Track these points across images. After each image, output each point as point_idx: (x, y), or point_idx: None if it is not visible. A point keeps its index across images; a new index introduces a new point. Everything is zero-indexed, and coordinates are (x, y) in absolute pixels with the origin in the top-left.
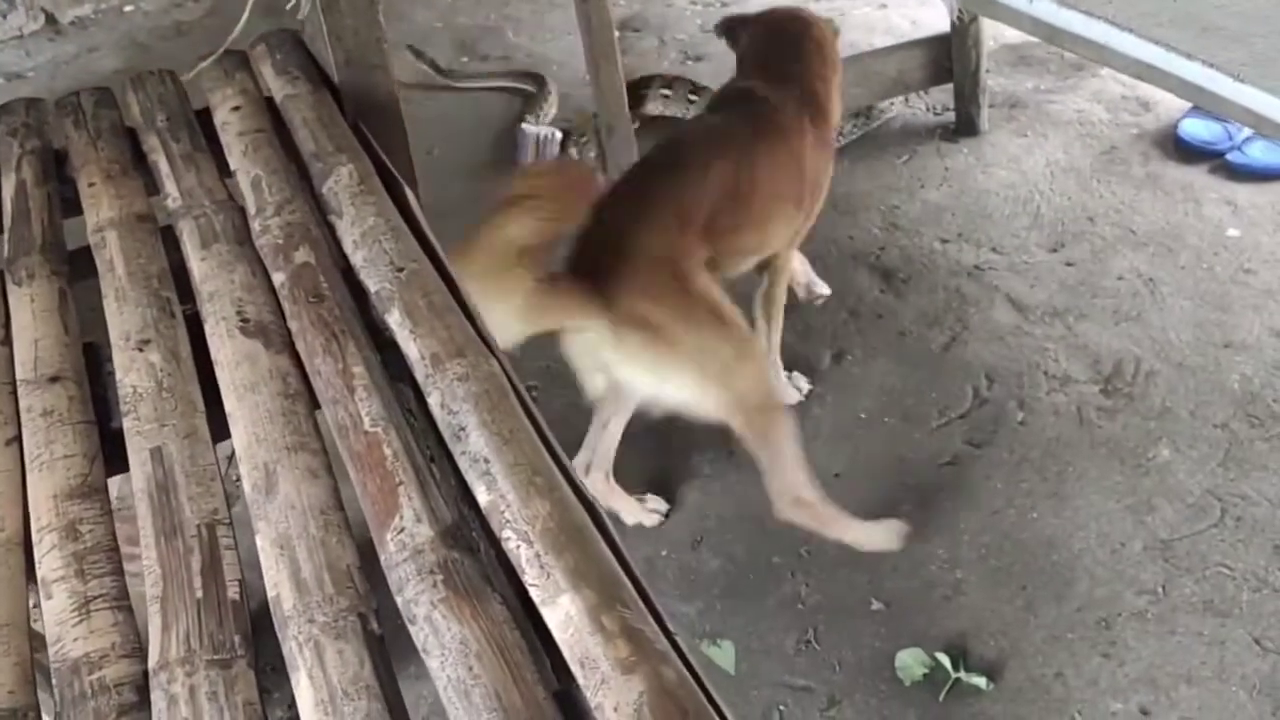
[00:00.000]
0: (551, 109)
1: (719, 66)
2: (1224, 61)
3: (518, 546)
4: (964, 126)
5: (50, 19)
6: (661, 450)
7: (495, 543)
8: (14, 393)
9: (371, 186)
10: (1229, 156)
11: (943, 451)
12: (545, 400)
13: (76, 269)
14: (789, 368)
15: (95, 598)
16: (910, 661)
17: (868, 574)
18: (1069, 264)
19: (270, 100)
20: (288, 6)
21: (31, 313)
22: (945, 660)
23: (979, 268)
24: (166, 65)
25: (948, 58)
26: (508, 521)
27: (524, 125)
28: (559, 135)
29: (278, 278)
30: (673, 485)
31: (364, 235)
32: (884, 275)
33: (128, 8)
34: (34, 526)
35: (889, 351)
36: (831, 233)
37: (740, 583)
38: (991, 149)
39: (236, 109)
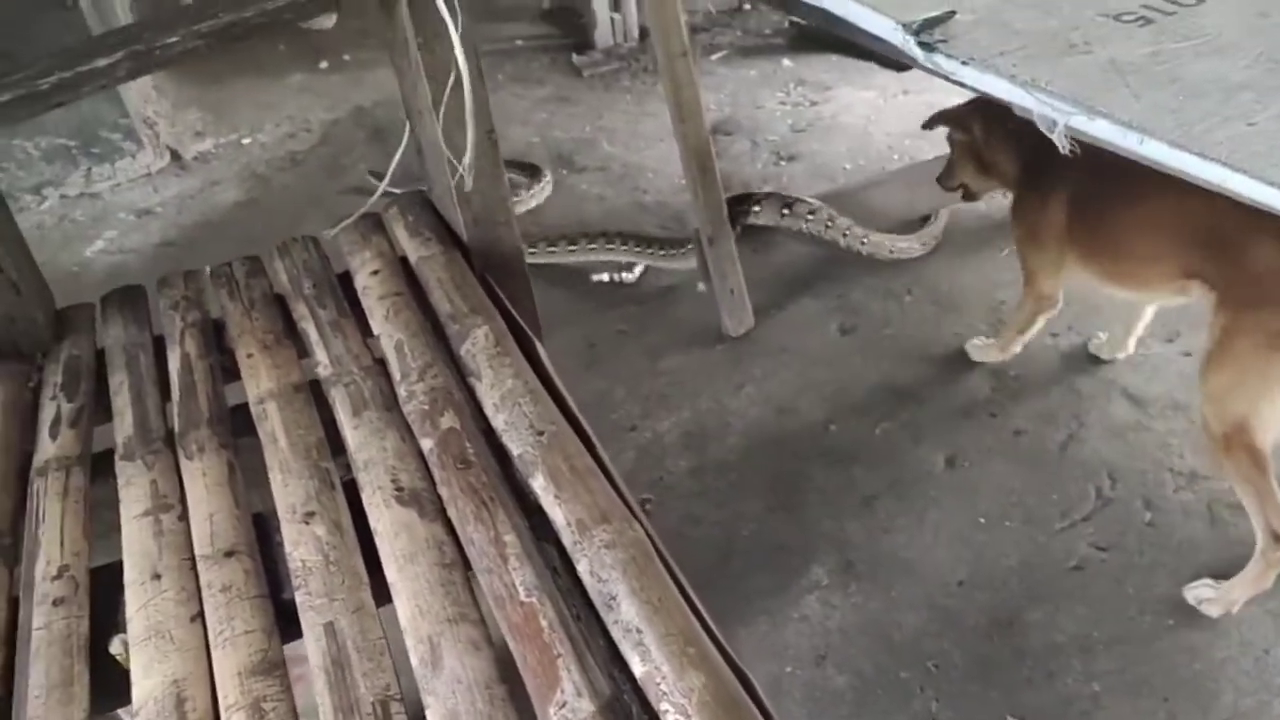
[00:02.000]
0: (535, 200)
1: (810, 165)
2: None
3: (676, 719)
4: None
5: (175, 156)
6: (781, 559)
7: (653, 715)
8: (194, 568)
9: (506, 347)
10: None
11: (1069, 555)
12: (659, 514)
13: (236, 428)
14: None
15: None
16: None
17: (1000, 689)
18: (1186, 354)
19: (404, 260)
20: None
21: (204, 486)
22: None
23: (1093, 361)
24: (285, 195)
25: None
26: (664, 694)
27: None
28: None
29: (425, 443)
30: (793, 596)
31: (503, 398)
32: (994, 372)
33: (245, 140)
34: (222, 705)
35: (1005, 452)
36: (937, 330)
37: (869, 700)
38: None
39: (375, 273)
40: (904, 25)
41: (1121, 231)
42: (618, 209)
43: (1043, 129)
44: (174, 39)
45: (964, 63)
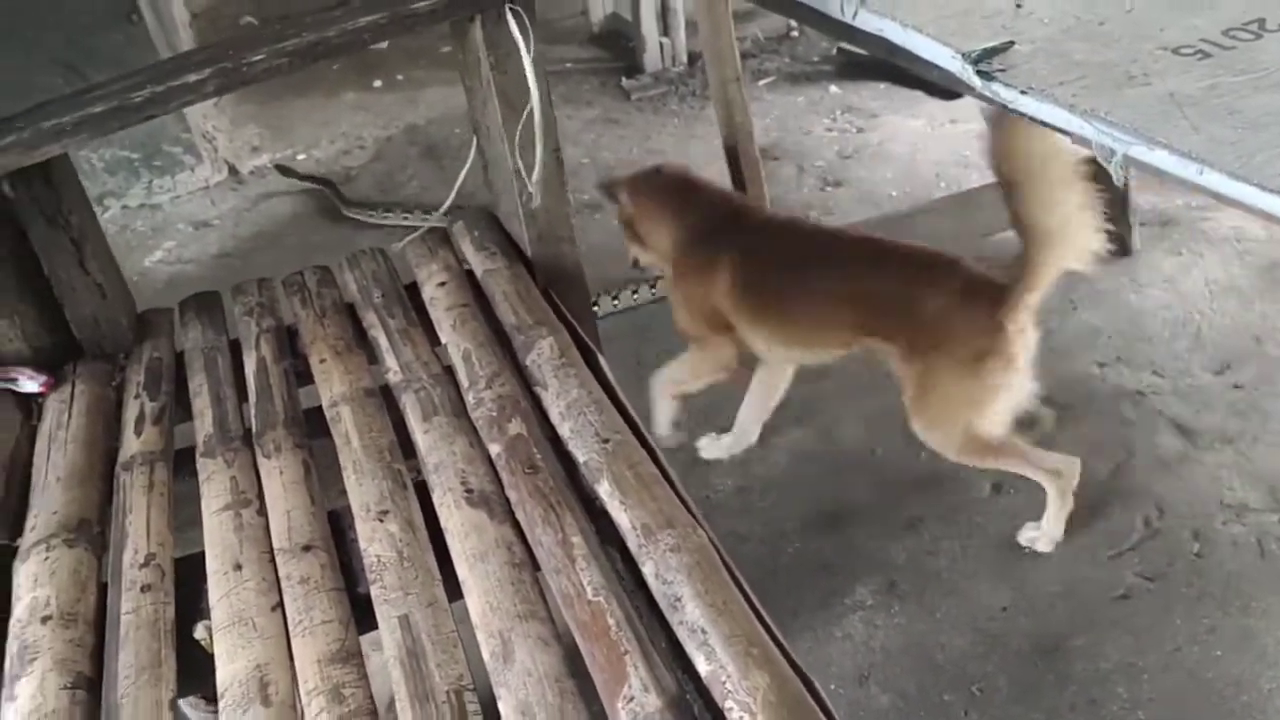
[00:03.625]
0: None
1: (857, 191)
2: None
3: (741, 717)
4: (1115, 246)
5: (233, 170)
6: (824, 578)
7: (717, 713)
8: (272, 560)
9: (571, 358)
10: None
11: (1115, 584)
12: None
13: (309, 429)
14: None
15: None
16: None
17: (1044, 714)
18: (1237, 386)
19: (470, 273)
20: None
21: (281, 484)
22: None
23: (1141, 392)
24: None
25: (1094, 179)
26: (729, 693)
27: None
28: None
29: (493, 448)
30: (836, 615)
31: (569, 407)
32: (1042, 401)
33: (300, 156)
34: (302, 690)
35: None
36: None
37: None
38: (1145, 269)
39: (442, 284)
40: (963, 54)
41: (793, 297)
42: None
43: (1100, 158)
44: (259, 57)
45: (1023, 92)
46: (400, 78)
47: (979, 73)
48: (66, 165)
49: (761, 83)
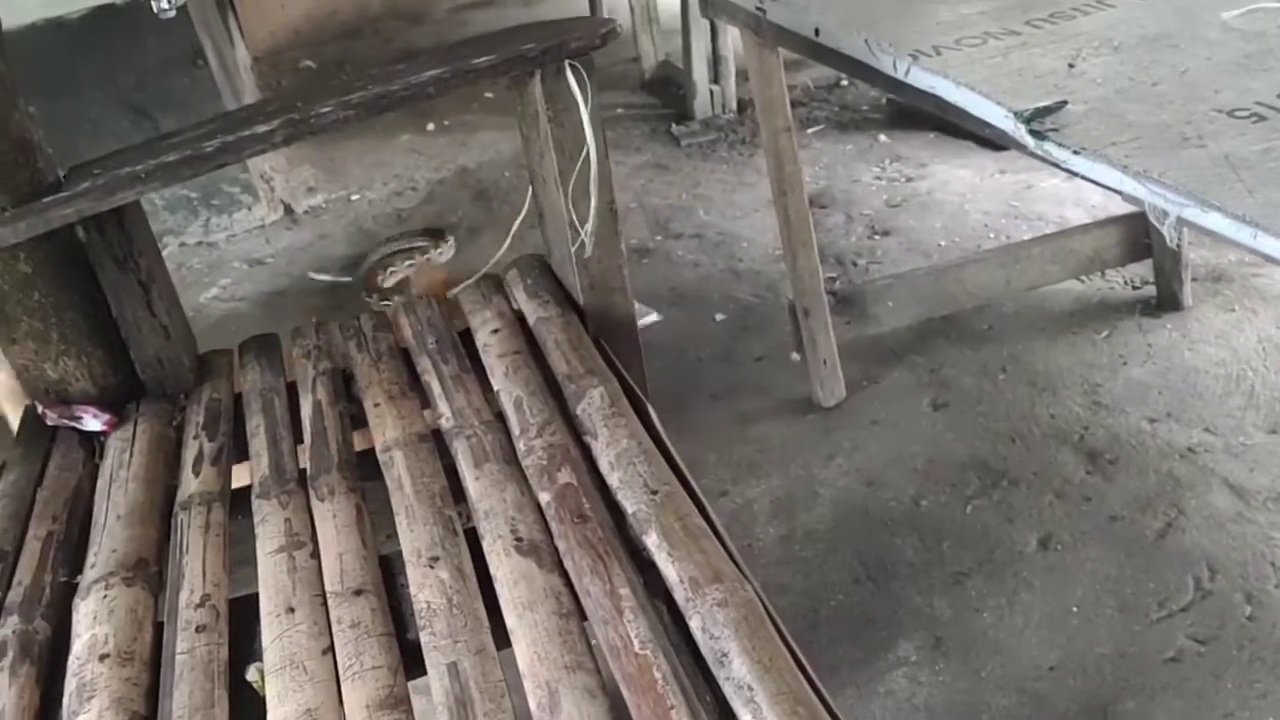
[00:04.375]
0: (442, 258)
1: (905, 240)
2: None
3: None
4: (1166, 301)
5: (288, 209)
6: (867, 632)
7: None
8: (324, 603)
9: (621, 408)
10: None
11: (1165, 646)
12: None
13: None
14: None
15: None
16: None
17: None
18: None
19: (522, 320)
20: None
21: (334, 527)
22: None
23: (1192, 449)
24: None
25: (1146, 234)
26: None
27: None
28: None
29: (544, 497)
30: (879, 670)
31: (618, 457)
32: (1090, 456)
33: (354, 197)
34: None
35: (1100, 537)
36: (1031, 409)
37: None
38: (1197, 324)
39: (495, 331)
40: (1016, 113)
41: None
42: (711, 275)
43: (1153, 219)
44: (327, 109)
45: (1075, 152)
46: (447, 123)
47: (1032, 132)
48: (138, 209)
49: (810, 130)
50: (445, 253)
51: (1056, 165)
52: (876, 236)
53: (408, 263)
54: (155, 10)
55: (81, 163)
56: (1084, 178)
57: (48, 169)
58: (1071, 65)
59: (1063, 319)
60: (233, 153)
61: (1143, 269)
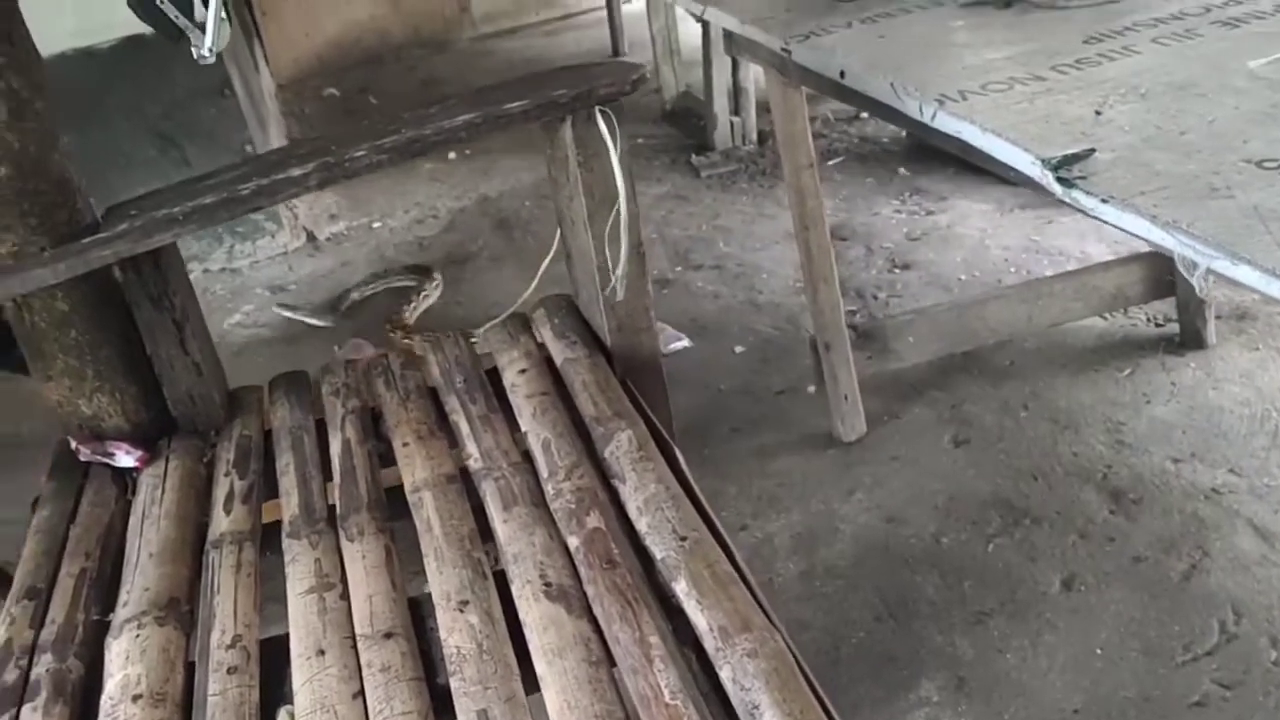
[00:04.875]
0: (429, 300)
1: (925, 274)
2: None
3: None
4: (1189, 339)
5: (310, 236)
6: (888, 671)
7: None
8: (354, 646)
9: (649, 452)
10: None
11: (1190, 691)
12: None
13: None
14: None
15: None
16: None
17: None
18: None
19: (549, 359)
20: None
21: (364, 568)
22: None
23: (1217, 490)
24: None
25: (1169, 272)
26: None
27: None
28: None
29: (572, 541)
30: (901, 710)
31: (646, 502)
32: (1113, 496)
33: (375, 224)
34: None
35: (1124, 579)
36: (1054, 447)
37: None
38: (1221, 363)
39: (523, 371)
40: (1043, 160)
41: None
42: (731, 307)
43: (1182, 270)
44: (360, 153)
45: (1104, 200)
46: (469, 151)
47: (1060, 179)
48: (173, 249)
49: (831, 162)
50: (431, 293)
51: (1084, 213)
52: (897, 270)
53: (410, 304)
54: (195, 57)
55: (118, 203)
56: (1112, 226)
57: (86, 209)
58: (1098, 112)
59: (1085, 356)
60: (267, 195)
61: (1166, 306)
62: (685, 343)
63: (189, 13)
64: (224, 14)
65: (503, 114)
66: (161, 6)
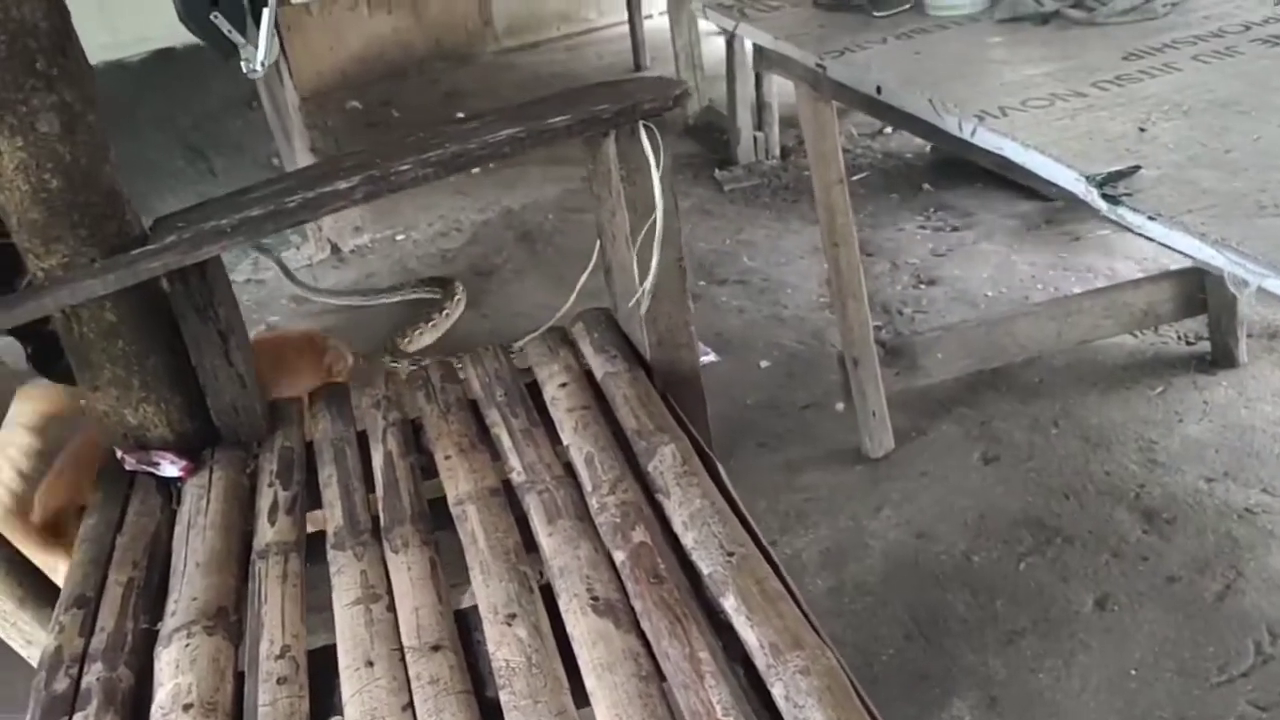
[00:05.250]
0: (451, 317)
1: (951, 290)
2: None
3: None
4: (1221, 358)
5: (335, 248)
6: (920, 689)
7: None
8: (402, 658)
9: (693, 466)
10: None
11: (1226, 712)
12: None
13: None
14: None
15: None
16: None
17: None
18: None
19: (589, 373)
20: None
21: (409, 580)
22: None
23: (1250, 510)
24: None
25: (1201, 289)
26: None
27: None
28: None
29: (618, 555)
30: None
31: (692, 517)
32: (1146, 515)
33: (399, 236)
34: None
35: (1158, 598)
36: (1086, 466)
37: None
38: (1254, 382)
39: (563, 385)
40: (1088, 177)
41: None
42: (757, 321)
43: (1232, 287)
44: (406, 167)
45: (1150, 218)
46: (493, 164)
47: (1105, 196)
48: (218, 261)
49: (855, 178)
50: (454, 311)
51: (1130, 229)
52: (923, 285)
53: (430, 323)
54: (245, 71)
55: (166, 215)
56: (1160, 243)
57: (135, 221)
58: (1142, 129)
59: (1115, 374)
60: (313, 209)
61: (1197, 324)
62: (713, 357)
63: (242, 28)
64: (274, 28)
65: (546, 129)
66: (216, 22)
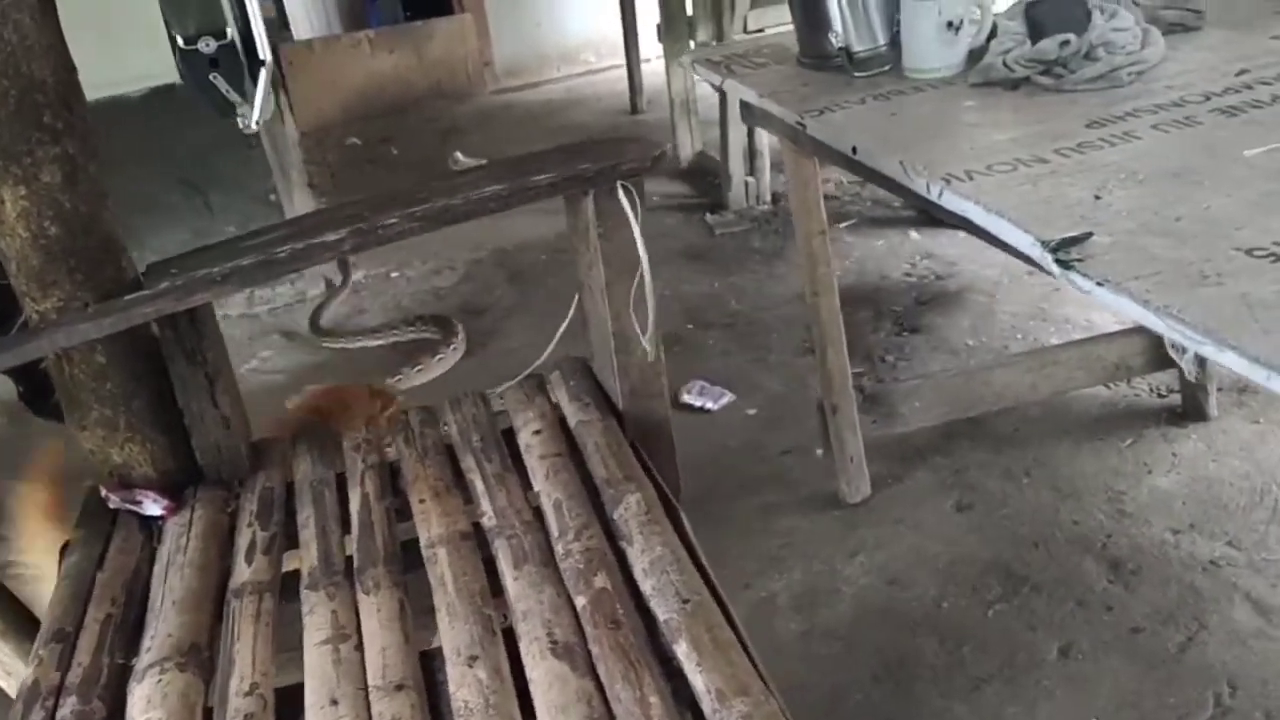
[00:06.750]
0: (446, 362)
1: (933, 339)
2: None
3: None
4: (1191, 411)
5: (329, 284)
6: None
7: None
8: (367, 697)
9: (656, 515)
10: None
11: None
12: None
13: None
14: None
15: None
16: None
17: None
18: None
19: (564, 421)
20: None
21: (378, 621)
22: None
23: (1215, 563)
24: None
25: (1172, 344)
26: None
27: None
28: None
29: (579, 601)
30: None
31: (652, 564)
32: (1112, 565)
33: (393, 274)
34: None
35: (1121, 648)
36: (1055, 515)
37: None
38: (1222, 435)
39: (537, 432)
40: (1043, 242)
41: None
42: (741, 365)
43: (1171, 354)
44: (392, 220)
45: (1099, 283)
46: None
47: (1058, 261)
48: (208, 307)
49: (842, 225)
50: (448, 357)
51: (1081, 292)
52: (905, 333)
53: (433, 359)
54: (241, 127)
55: (158, 261)
56: (1107, 309)
57: (129, 267)
58: (1098, 196)
59: (1088, 425)
60: (303, 259)
61: (1168, 377)
62: (731, 397)
63: (240, 88)
64: (269, 88)
65: (530, 186)
66: (215, 82)
